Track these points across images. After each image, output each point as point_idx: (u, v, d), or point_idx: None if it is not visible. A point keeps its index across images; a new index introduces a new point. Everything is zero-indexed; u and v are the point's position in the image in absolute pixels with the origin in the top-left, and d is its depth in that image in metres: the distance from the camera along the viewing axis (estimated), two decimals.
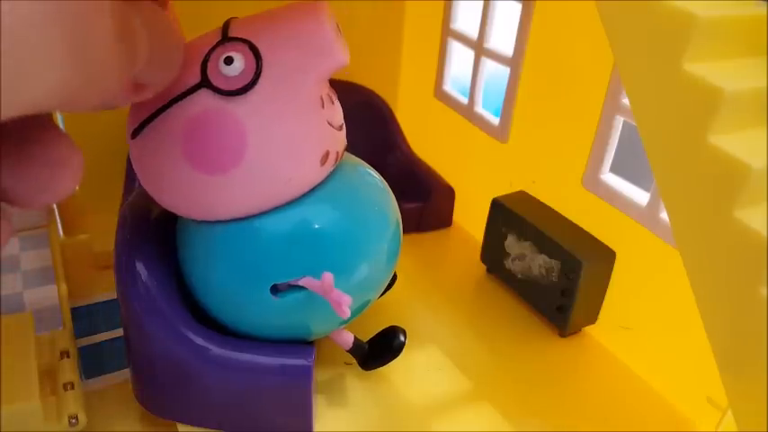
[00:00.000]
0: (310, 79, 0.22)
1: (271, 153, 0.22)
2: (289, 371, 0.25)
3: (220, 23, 0.23)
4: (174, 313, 0.25)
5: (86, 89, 0.14)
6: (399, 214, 0.27)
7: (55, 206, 0.39)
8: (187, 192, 0.22)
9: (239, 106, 0.21)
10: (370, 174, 0.27)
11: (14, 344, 0.27)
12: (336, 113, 0.24)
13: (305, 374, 0.25)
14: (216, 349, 0.25)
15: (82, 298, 0.35)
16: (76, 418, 0.26)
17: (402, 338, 0.28)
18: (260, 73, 0.21)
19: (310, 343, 0.26)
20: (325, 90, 0.23)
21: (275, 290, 0.24)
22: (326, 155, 0.23)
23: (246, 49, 0.21)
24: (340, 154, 0.25)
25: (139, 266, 0.25)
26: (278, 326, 0.25)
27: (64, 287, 0.33)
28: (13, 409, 0.24)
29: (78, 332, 0.33)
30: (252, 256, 0.24)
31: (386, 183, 0.27)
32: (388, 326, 0.29)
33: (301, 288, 0.24)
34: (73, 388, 0.27)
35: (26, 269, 0.36)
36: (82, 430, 0.26)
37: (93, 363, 0.32)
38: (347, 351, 0.28)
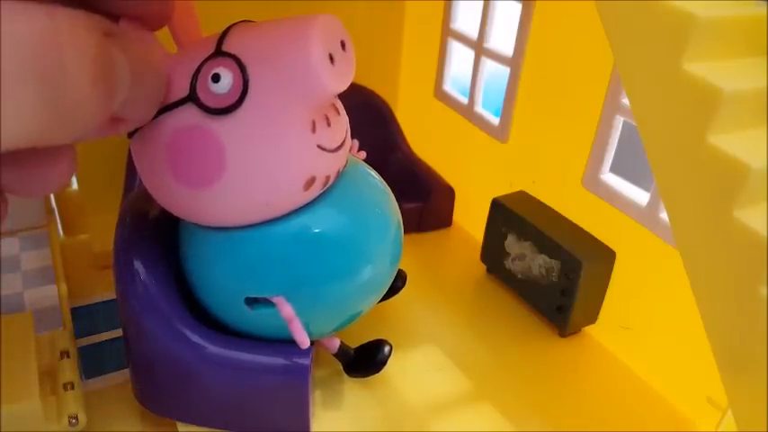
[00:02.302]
0: (296, 105, 0.21)
1: (248, 177, 0.21)
2: (286, 370, 0.25)
3: (228, 23, 0.22)
4: (173, 311, 0.25)
5: (60, 130, 0.14)
6: (400, 216, 0.27)
7: (55, 206, 0.39)
8: (174, 197, 0.23)
9: (222, 126, 0.21)
10: (370, 175, 0.27)
11: (14, 344, 0.27)
12: (333, 135, 0.23)
13: (302, 374, 0.25)
14: (213, 348, 0.25)
15: (82, 298, 0.35)
16: (76, 418, 0.26)
17: (386, 352, 0.28)
18: (246, 93, 0.21)
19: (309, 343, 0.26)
20: (322, 112, 0.22)
21: (254, 301, 0.24)
22: (312, 180, 0.22)
23: (236, 67, 0.21)
24: (333, 176, 0.23)
25: (138, 264, 0.25)
26: (277, 325, 0.25)
27: (64, 287, 0.33)
28: (13, 409, 0.24)
29: (78, 332, 0.33)
30: (252, 262, 0.24)
31: (386, 184, 0.27)
32: (379, 335, 0.29)
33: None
34: (73, 388, 0.27)
35: (26, 269, 0.36)
36: (82, 430, 0.26)
37: (93, 363, 0.32)
38: (332, 355, 0.28)
